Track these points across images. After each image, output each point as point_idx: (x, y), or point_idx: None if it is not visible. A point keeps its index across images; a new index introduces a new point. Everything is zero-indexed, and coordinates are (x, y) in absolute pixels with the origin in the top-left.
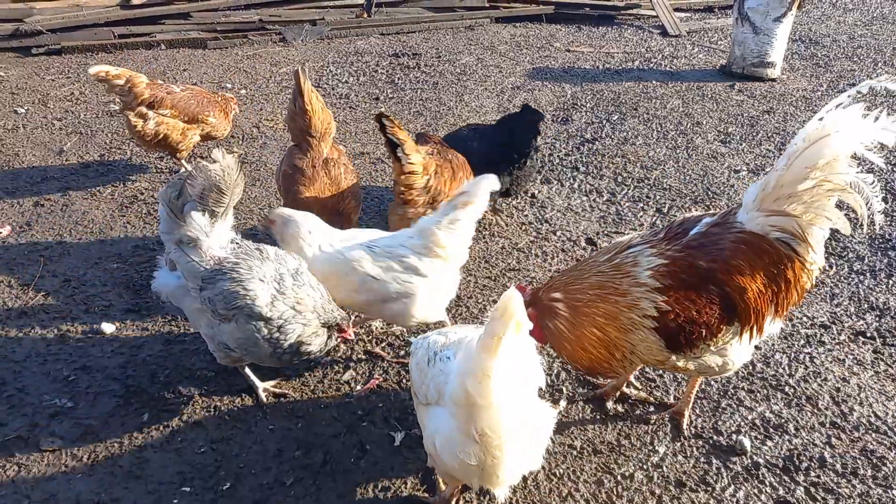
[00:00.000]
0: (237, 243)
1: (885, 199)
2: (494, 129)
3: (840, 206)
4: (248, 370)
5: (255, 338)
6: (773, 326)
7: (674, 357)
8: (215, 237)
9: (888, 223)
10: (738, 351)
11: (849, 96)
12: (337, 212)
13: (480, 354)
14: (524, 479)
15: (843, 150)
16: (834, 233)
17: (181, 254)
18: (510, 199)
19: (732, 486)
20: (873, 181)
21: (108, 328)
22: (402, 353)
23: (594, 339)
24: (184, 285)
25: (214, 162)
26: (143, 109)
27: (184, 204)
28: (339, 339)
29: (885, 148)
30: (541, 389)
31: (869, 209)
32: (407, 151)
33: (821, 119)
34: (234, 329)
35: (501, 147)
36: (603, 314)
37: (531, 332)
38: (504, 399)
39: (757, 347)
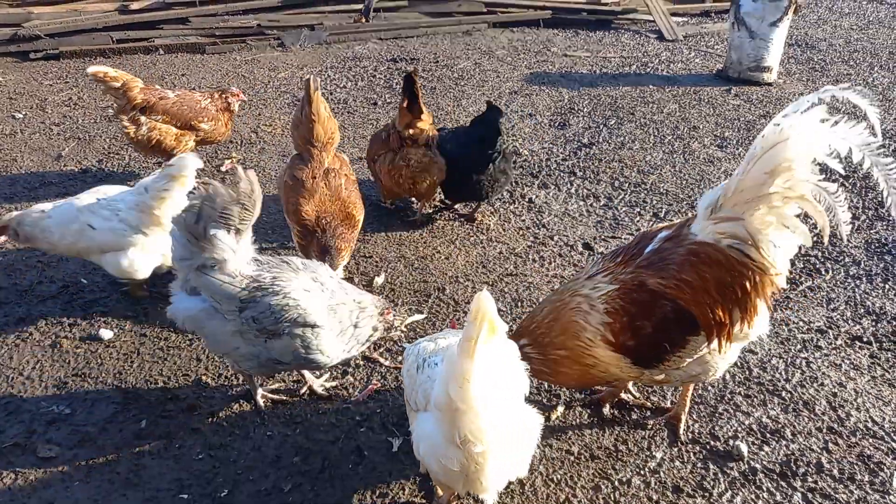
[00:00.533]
0: (257, 259)
1: (880, 205)
2: (468, 130)
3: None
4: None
5: (316, 344)
6: (752, 331)
7: (647, 372)
8: (241, 254)
9: (884, 227)
10: (717, 357)
11: (808, 101)
12: (340, 222)
13: (459, 358)
14: (521, 484)
15: (799, 156)
16: (830, 237)
17: (208, 279)
18: (480, 207)
19: (730, 492)
20: (836, 190)
21: (106, 334)
22: (400, 358)
23: (564, 359)
24: (207, 308)
25: (240, 179)
26: (136, 114)
27: (205, 227)
28: (384, 322)
29: (842, 155)
30: (528, 395)
31: (832, 219)
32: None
33: (777, 124)
34: (287, 342)
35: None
36: (560, 331)
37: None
38: (485, 403)
39: (752, 352)
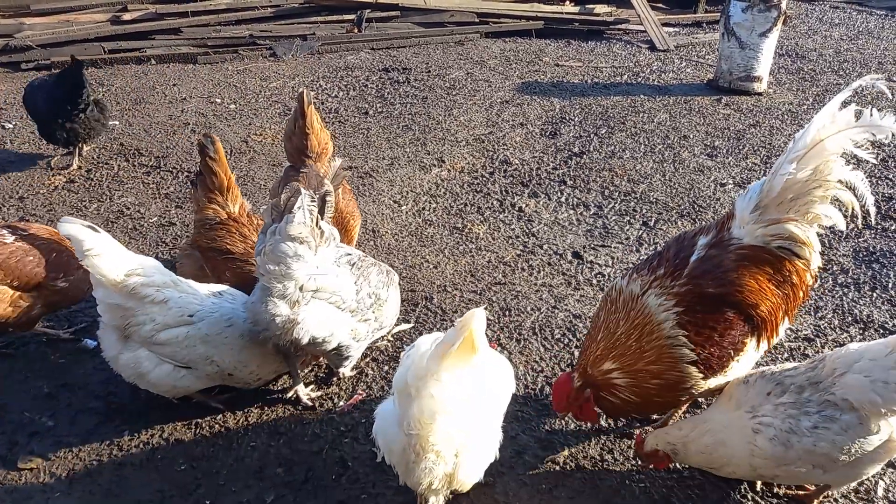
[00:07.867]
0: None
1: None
2: (55, 82)
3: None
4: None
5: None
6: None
7: (709, 381)
8: None
9: (872, 236)
10: (752, 357)
11: (840, 98)
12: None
13: (430, 357)
14: (507, 494)
15: (838, 150)
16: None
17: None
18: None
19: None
20: (863, 178)
21: (90, 344)
22: (386, 368)
23: (656, 390)
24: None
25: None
26: None
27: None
28: None
29: (878, 145)
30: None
31: (862, 204)
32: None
33: (820, 125)
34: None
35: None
36: (654, 370)
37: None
38: (440, 404)
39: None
